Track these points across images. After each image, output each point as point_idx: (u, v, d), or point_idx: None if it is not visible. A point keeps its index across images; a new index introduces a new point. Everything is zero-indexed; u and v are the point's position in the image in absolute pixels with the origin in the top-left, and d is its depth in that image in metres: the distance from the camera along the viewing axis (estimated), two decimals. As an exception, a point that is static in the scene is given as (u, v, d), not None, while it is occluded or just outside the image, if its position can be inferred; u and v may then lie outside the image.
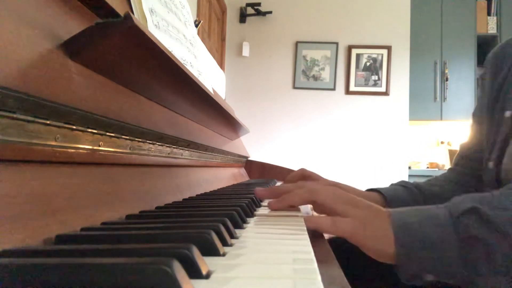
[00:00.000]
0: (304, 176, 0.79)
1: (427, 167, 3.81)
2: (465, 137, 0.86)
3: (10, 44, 0.30)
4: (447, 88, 3.65)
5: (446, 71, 3.64)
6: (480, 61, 3.65)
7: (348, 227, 0.45)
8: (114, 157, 0.46)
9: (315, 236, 0.45)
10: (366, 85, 3.38)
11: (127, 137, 0.49)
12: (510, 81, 0.68)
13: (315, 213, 0.63)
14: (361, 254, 0.48)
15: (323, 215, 0.50)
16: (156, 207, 0.54)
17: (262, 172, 1.72)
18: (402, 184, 0.80)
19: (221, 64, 3.31)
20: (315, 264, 0.28)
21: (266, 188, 0.63)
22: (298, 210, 0.60)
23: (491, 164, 0.69)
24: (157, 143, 0.60)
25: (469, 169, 0.82)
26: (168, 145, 0.65)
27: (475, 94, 3.61)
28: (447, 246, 0.42)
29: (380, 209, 0.48)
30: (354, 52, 3.40)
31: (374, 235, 0.45)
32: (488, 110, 0.73)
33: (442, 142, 3.94)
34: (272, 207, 0.56)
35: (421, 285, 0.47)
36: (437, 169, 3.71)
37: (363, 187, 0.84)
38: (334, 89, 3.40)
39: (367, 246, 0.45)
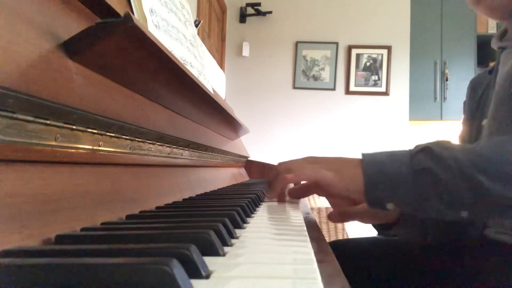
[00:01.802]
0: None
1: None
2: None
3: (10, 44, 0.30)
4: (447, 88, 3.65)
5: (446, 71, 3.64)
6: (480, 61, 3.65)
7: (328, 174, 0.56)
8: (114, 157, 0.46)
9: (315, 236, 0.45)
10: (366, 85, 3.38)
11: (127, 137, 0.49)
12: (487, 96, 0.78)
13: (314, 209, 0.65)
14: (361, 254, 0.49)
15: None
16: (156, 207, 0.54)
17: (262, 172, 1.72)
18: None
19: (221, 64, 3.31)
20: (315, 264, 0.28)
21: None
22: (298, 209, 0.60)
23: None
24: (157, 143, 0.60)
25: None
26: (168, 145, 0.65)
27: (475, 94, 3.60)
28: (402, 177, 0.51)
29: (351, 158, 0.59)
30: (354, 52, 3.40)
31: (348, 177, 0.55)
32: (468, 123, 0.83)
33: (442, 142, 3.94)
34: (271, 195, 0.67)
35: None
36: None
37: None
38: (334, 89, 3.39)
39: (344, 188, 0.55)
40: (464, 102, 0.88)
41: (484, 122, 0.74)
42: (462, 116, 0.87)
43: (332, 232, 2.63)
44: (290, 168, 0.61)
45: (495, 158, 0.48)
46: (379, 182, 0.52)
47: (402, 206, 0.54)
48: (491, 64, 0.86)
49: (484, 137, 0.71)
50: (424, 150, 0.51)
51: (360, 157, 0.57)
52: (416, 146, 0.54)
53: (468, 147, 0.52)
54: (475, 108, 0.81)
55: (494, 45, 0.78)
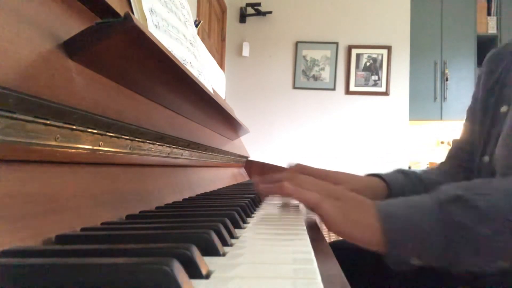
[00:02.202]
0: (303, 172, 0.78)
1: (427, 167, 3.81)
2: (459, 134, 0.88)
3: (10, 44, 0.30)
4: (447, 88, 3.65)
5: (446, 71, 3.64)
6: (480, 61, 3.64)
7: (330, 211, 0.47)
8: (114, 157, 0.46)
9: (315, 236, 0.45)
10: (366, 85, 3.38)
11: (127, 137, 0.49)
12: (505, 78, 0.70)
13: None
14: (361, 254, 0.48)
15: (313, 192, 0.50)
16: (156, 207, 0.54)
17: (262, 172, 1.72)
18: (400, 171, 0.80)
19: (221, 64, 3.31)
20: (315, 264, 0.28)
21: (262, 177, 0.64)
22: (299, 211, 0.60)
23: (486, 159, 0.71)
24: (157, 143, 0.60)
25: (464, 162, 0.82)
26: (168, 145, 0.65)
27: (475, 94, 3.60)
28: (432, 232, 0.43)
29: (363, 199, 0.50)
30: (354, 52, 3.40)
31: (356, 223, 0.46)
32: (482, 105, 0.75)
33: (442, 142, 3.94)
34: (258, 186, 0.59)
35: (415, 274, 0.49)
36: (437, 169, 3.71)
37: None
38: (334, 89, 3.39)
39: (347, 233, 0.47)
40: (479, 76, 0.80)
41: (504, 108, 0.67)
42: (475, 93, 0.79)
43: (332, 235, 2.62)
44: (299, 190, 0.51)
45: None
46: (402, 239, 0.45)
47: (430, 262, 0.46)
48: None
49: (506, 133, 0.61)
50: (454, 200, 0.44)
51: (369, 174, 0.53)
52: (443, 189, 0.47)
53: (507, 185, 0.45)
54: (490, 88, 0.73)
55: None
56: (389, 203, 0.48)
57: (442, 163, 0.90)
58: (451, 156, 0.88)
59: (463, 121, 0.86)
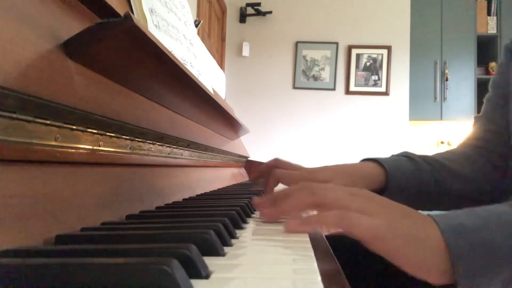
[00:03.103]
0: (278, 165, 0.67)
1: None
2: (465, 135, 0.78)
3: (10, 44, 0.30)
4: (447, 88, 3.65)
5: (446, 71, 3.64)
6: (480, 61, 3.65)
7: (371, 225, 0.33)
8: (114, 157, 0.46)
9: (315, 236, 0.45)
10: (366, 85, 3.38)
11: (127, 137, 0.49)
12: None
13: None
14: (361, 253, 0.45)
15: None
16: (156, 207, 0.54)
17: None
18: (405, 154, 0.67)
19: (221, 64, 3.31)
20: (315, 264, 0.28)
21: (264, 197, 0.49)
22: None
23: None
24: (157, 143, 0.60)
25: (492, 145, 0.69)
26: (168, 145, 0.65)
27: (475, 94, 3.61)
28: None
29: (414, 210, 0.37)
30: (354, 52, 3.40)
31: (410, 239, 0.33)
32: (506, 93, 0.65)
33: (442, 142, 3.94)
34: (264, 216, 0.45)
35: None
36: (437, 169, 3.71)
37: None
38: (334, 89, 3.40)
39: (399, 253, 0.33)
40: (500, 65, 0.71)
41: None
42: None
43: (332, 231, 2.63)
44: (319, 193, 0.39)
45: None
46: (484, 265, 0.32)
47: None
48: (492, 64, 0.77)
49: None
50: None
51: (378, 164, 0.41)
52: None
53: None
54: None
55: None
56: (453, 213, 0.36)
57: (461, 146, 0.75)
58: (472, 145, 0.72)
59: (474, 123, 0.75)
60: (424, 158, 0.67)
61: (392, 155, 0.69)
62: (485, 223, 0.33)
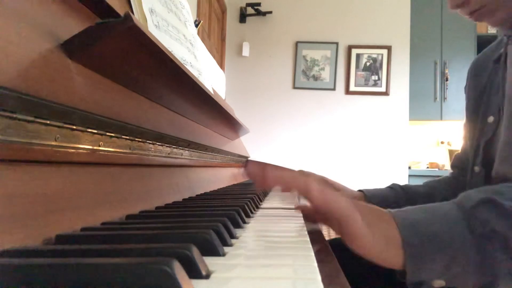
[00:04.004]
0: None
1: (427, 167, 3.81)
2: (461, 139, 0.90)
3: (10, 44, 0.30)
4: (447, 88, 3.65)
5: (446, 71, 3.64)
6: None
7: (359, 224, 0.39)
8: (114, 157, 0.46)
9: (315, 236, 0.45)
10: (366, 85, 3.38)
11: (127, 137, 0.49)
12: (491, 88, 0.70)
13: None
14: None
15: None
16: (156, 207, 0.54)
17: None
18: (390, 186, 0.84)
19: (221, 64, 3.31)
20: (315, 264, 0.28)
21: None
22: (299, 211, 0.60)
23: (477, 169, 0.71)
24: (157, 143, 0.60)
25: (462, 171, 0.84)
26: (168, 145, 0.65)
27: (475, 94, 3.60)
28: (461, 244, 0.38)
29: (381, 210, 0.43)
30: (354, 52, 3.40)
31: (381, 239, 0.39)
32: (471, 115, 0.76)
33: (442, 142, 3.94)
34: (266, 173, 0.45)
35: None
36: (437, 169, 3.71)
37: (363, 187, 0.85)
38: (334, 89, 3.39)
39: (374, 251, 0.39)
40: (465, 88, 0.81)
41: (490, 119, 0.68)
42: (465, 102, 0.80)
43: (332, 232, 2.63)
44: (310, 191, 0.42)
45: None
46: (427, 251, 0.38)
47: (458, 283, 0.40)
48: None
49: (503, 141, 0.60)
50: (486, 204, 0.39)
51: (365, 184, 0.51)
52: (467, 195, 0.42)
53: None
54: (478, 99, 0.74)
55: (500, 31, 0.70)
56: (406, 210, 0.42)
57: (450, 173, 0.91)
58: (452, 165, 0.90)
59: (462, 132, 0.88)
60: (404, 186, 0.83)
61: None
62: (432, 218, 0.40)
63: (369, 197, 0.80)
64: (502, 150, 0.60)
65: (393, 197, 0.80)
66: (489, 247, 0.38)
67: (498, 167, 0.60)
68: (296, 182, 0.42)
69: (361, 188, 0.86)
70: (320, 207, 0.41)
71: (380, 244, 0.39)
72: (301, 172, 0.51)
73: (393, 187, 0.83)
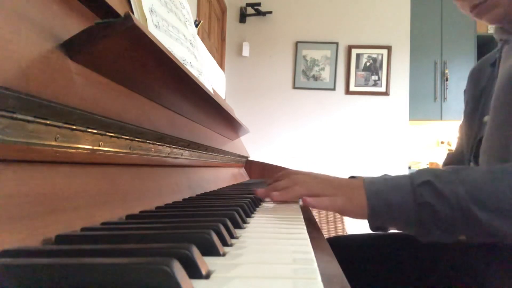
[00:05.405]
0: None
1: (427, 167, 3.81)
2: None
3: (10, 44, 0.30)
4: (447, 88, 3.65)
5: (446, 71, 3.64)
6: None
7: (341, 203, 0.59)
8: (114, 157, 0.46)
9: (315, 236, 0.45)
10: (366, 85, 3.38)
11: (127, 137, 0.49)
12: (489, 90, 0.75)
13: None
14: (361, 254, 0.49)
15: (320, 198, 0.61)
16: (156, 207, 0.54)
17: (262, 172, 1.72)
18: (383, 175, 0.89)
19: (221, 64, 3.31)
20: (315, 264, 0.28)
21: (265, 188, 0.70)
22: (299, 211, 0.60)
23: (472, 165, 0.76)
24: (157, 143, 0.60)
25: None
26: (168, 145, 0.65)
27: (475, 94, 3.60)
28: (406, 208, 0.55)
29: (354, 182, 0.61)
30: (354, 52, 3.40)
31: (358, 205, 0.58)
32: (469, 116, 0.81)
33: (442, 142, 3.94)
34: (275, 198, 0.66)
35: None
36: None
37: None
38: (334, 89, 3.39)
39: (353, 213, 0.59)
40: (464, 91, 0.86)
41: (486, 118, 0.73)
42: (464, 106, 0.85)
43: (332, 232, 2.63)
44: (307, 187, 0.63)
45: (494, 193, 0.52)
46: (382, 211, 0.57)
47: (403, 230, 0.60)
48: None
49: (485, 141, 0.69)
50: (426, 184, 0.55)
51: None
52: (418, 174, 0.57)
53: (469, 177, 0.55)
54: (476, 101, 0.80)
55: (497, 35, 0.75)
56: (375, 181, 0.59)
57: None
58: (444, 164, 0.95)
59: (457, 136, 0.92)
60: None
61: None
62: (391, 188, 0.57)
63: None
64: (482, 146, 0.69)
65: None
66: (423, 214, 0.55)
67: (481, 164, 0.70)
68: (287, 197, 0.65)
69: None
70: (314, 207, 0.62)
71: (356, 208, 0.58)
72: (287, 173, 0.69)
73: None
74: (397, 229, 0.60)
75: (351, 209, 0.59)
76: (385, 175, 0.91)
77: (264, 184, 1.09)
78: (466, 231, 0.55)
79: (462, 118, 0.86)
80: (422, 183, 0.55)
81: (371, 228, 0.62)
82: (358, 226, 1.38)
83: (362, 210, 0.58)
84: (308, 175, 0.65)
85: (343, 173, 0.88)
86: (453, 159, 0.92)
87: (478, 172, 0.55)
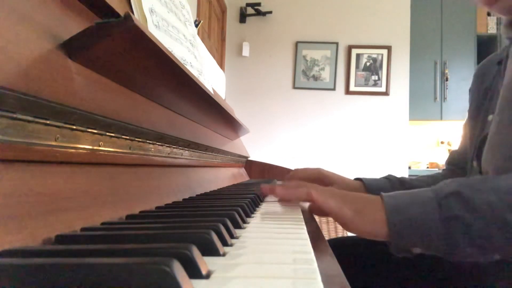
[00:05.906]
0: (320, 177, 0.84)
1: (427, 167, 3.81)
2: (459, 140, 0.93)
3: (10, 44, 0.30)
4: (447, 88, 3.65)
5: (446, 71, 3.64)
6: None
7: (349, 214, 0.53)
8: (114, 157, 0.46)
9: (315, 236, 0.45)
10: (366, 85, 3.38)
11: (127, 137, 0.49)
12: (494, 89, 0.74)
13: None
14: (361, 254, 0.49)
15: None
16: (156, 207, 0.54)
17: (262, 172, 1.72)
18: (387, 177, 0.87)
19: (221, 64, 3.30)
20: (315, 264, 0.28)
21: (272, 185, 0.67)
22: (299, 211, 0.60)
23: (475, 163, 0.75)
24: (157, 143, 0.60)
25: (458, 168, 0.88)
26: (168, 145, 0.65)
27: (475, 94, 3.60)
28: (432, 224, 0.48)
29: (372, 196, 0.55)
30: (354, 52, 3.40)
31: (372, 221, 0.52)
32: (473, 114, 0.79)
33: (442, 142, 3.94)
34: (280, 195, 0.64)
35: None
36: (437, 169, 3.71)
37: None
38: (334, 89, 3.39)
39: (364, 230, 0.52)
40: (470, 90, 0.85)
41: (490, 117, 0.71)
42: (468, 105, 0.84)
43: (332, 232, 2.63)
44: (316, 191, 0.57)
45: None
46: (406, 230, 0.50)
47: (430, 251, 0.51)
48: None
49: (490, 139, 0.66)
50: (454, 196, 0.48)
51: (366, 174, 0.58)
52: (442, 185, 0.51)
53: (500, 184, 0.48)
54: (481, 99, 0.78)
55: (504, 33, 0.72)
56: (396, 196, 0.53)
57: (442, 170, 0.95)
58: (447, 162, 0.94)
59: (461, 133, 0.91)
60: (400, 179, 0.86)
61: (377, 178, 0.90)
62: (412, 202, 0.50)
63: (368, 185, 0.83)
64: (487, 145, 0.67)
65: (389, 189, 0.82)
66: (453, 229, 0.47)
67: (483, 162, 0.68)
68: (299, 195, 0.60)
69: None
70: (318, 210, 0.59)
71: (369, 225, 0.52)
72: (296, 171, 0.69)
73: (390, 179, 0.86)
74: (423, 251, 0.51)
75: (361, 224, 0.52)
76: (389, 175, 0.91)
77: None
78: (504, 247, 0.47)
79: (467, 116, 0.85)
80: (448, 194, 0.48)
81: (395, 251, 0.52)
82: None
83: (375, 227, 0.51)
84: (324, 188, 0.60)
85: (343, 173, 0.88)
86: (456, 157, 0.91)
87: (509, 179, 0.49)
